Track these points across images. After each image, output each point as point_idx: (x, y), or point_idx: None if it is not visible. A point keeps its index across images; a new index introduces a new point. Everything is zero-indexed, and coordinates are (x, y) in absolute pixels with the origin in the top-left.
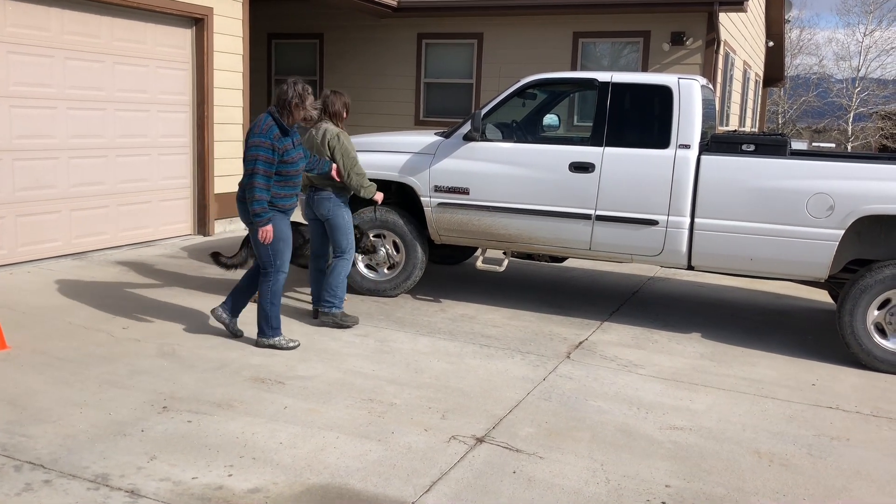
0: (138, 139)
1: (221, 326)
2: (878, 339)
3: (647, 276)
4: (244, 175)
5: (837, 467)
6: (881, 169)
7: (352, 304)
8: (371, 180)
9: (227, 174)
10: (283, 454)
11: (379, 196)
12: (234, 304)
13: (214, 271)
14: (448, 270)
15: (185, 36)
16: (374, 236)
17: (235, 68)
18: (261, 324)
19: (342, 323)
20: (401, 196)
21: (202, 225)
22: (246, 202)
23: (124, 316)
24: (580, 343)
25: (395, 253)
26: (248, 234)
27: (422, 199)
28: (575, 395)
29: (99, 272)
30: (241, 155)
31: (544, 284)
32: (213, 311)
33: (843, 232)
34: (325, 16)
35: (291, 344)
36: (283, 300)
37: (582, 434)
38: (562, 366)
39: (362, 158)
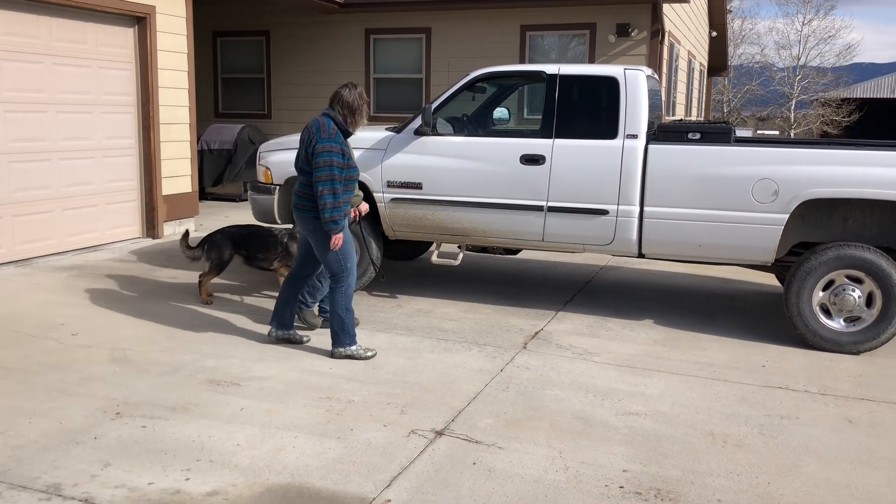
0: (82, 141)
1: (176, 332)
2: (823, 319)
3: (599, 265)
4: (304, 183)
5: (788, 445)
6: (822, 154)
7: None
8: None
9: (175, 175)
10: (241, 456)
11: (364, 207)
12: (281, 318)
13: (165, 274)
14: (403, 266)
15: (127, 35)
16: (290, 230)
17: (180, 67)
18: (337, 333)
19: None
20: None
21: (151, 227)
22: (302, 210)
23: (73, 322)
24: (536, 333)
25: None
26: (209, 235)
27: (375, 194)
28: (532, 385)
29: (45, 279)
30: (189, 156)
31: (499, 277)
32: (270, 336)
33: (787, 216)
34: (270, 13)
35: (369, 353)
36: (241, 301)
37: (540, 423)
38: (519, 356)
39: None
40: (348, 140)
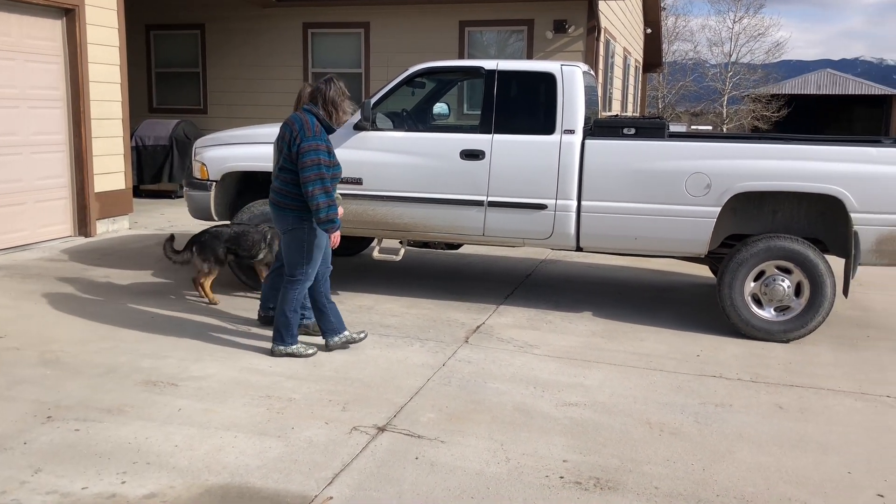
0: (8, 137)
1: (111, 332)
2: (754, 309)
3: (540, 259)
4: (284, 181)
5: (722, 432)
6: (752, 148)
7: (244, 301)
8: (258, 172)
9: (108, 172)
10: (179, 457)
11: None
12: (329, 326)
13: (98, 273)
14: (345, 262)
15: (55, 27)
16: (272, 228)
17: (112, 61)
18: (280, 331)
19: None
20: None
21: (83, 226)
22: (281, 208)
23: (0, 324)
24: (478, 327)
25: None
26: (196, 236)
27: None
28: (474, 379)
29: None
30: (122, 152)
31: (441, 272)
32: (328, 347)
33: (719, 209)
34: (205, 6)
35: (310, 351)
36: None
37: (482, 416)
38: (461, 350)
39: (247, 151)
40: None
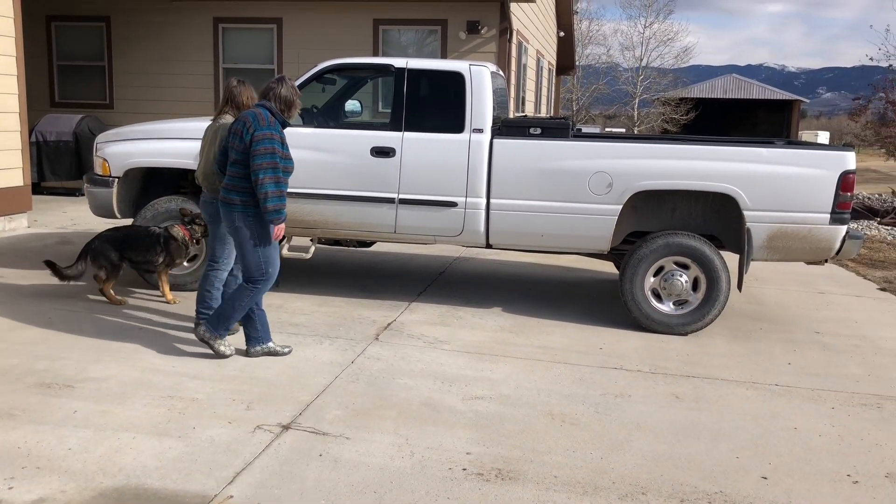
0: None
1: (3, 334)
2: (654, 303)
3: (453, 256)
4: (233, 176)
5: (621, 422)
6: (651, 148)
7: (144, 300)
8: (167, 169)
9: (4, 168)
10: (72, 460)
11: None
12: (254, 333)
13: None
14: None
15: None
16: (167, 228)
17: (7, 52)
18: (218, 319)
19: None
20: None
21: None
22: (230, 205)
23: None
24: (388, 324)
25: (194, 245)
26: (85, 245)
27: None
28: (382, 375)
29: None
30: (19, 147)
31: (353, 269)
32: (248, 354)
33: (620, 207)
34: None
35: (228, 352)
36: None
37: (388, 412)
38: (370, 348)
39: (152, 146)
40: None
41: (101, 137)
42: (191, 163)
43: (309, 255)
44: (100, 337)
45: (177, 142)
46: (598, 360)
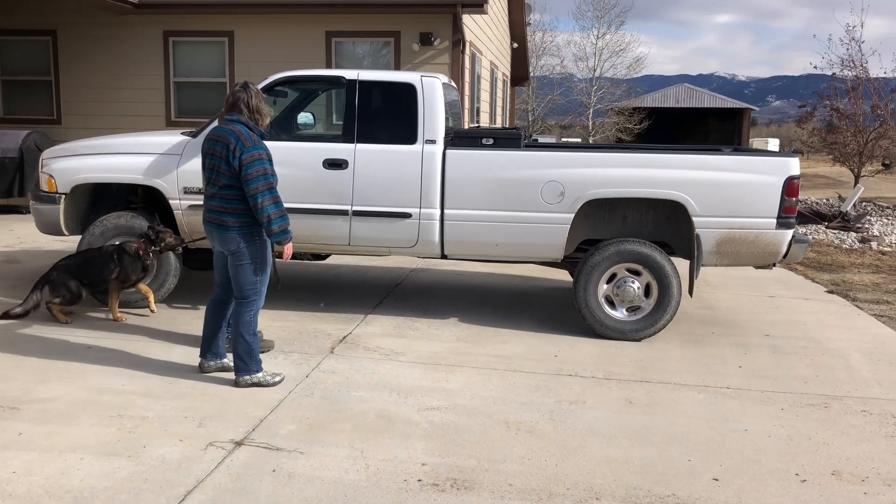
0: None
1: None
2: (608, 310)
3: (409, 268)
4: (224, 198)
5: (575, 428)
6: (602, 157)
7: (92, 318)
8: (114, 184)
9: None
10: (16, 484)
11: None
12: (213, 347)
13: None
14: (206, 276)
15: None
16: (119, 244)
17: None
18: (243, 359)
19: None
20: (149, 200)
21: None
22: (226, 227)
23: None
24: (344, 337)
25: (150, 259)
26: (42, 276)
27: (171, 202)
28: (337, 388)
29: None
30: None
31: (308, 283)
32: (201, 368)
33: (573, 215)
34: (57, 11)
35: (276, 379)
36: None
37: (343, 425)
38: (325, 361)
39: (100, 162)
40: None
41: (46, 153)
42: (140, 178)
43: None
44: (46, 357)
45: (126, 157)
46: (553, 368)
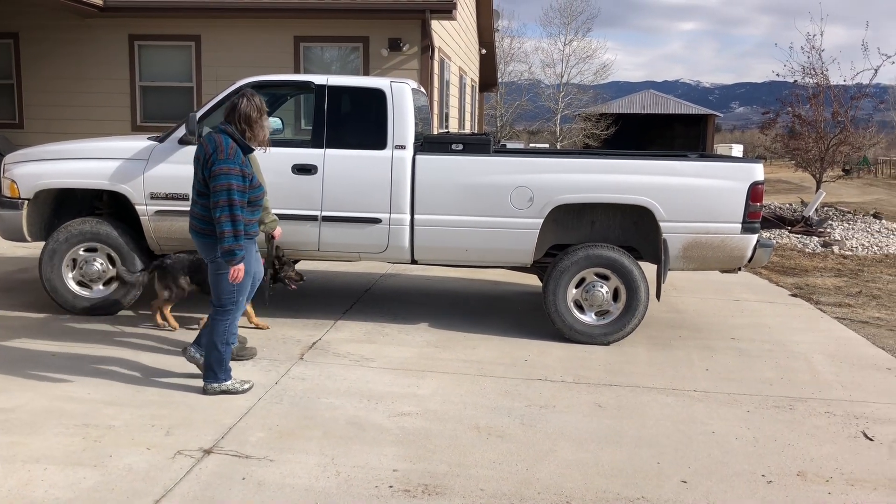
0: None
1: None
2: (577, 314)
3: (380, 273)
4: (203, 206)
5: (545, 432)
6: (570, 163)
7: (63, 324)
8: (79, 190)
9: None
10: None
11: (278, 232)
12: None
13: None
14: None
15: None
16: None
17: None
18: (212, 367)
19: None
20: (114, 205)
21: None
22: (205, 235)
23: None
24: (313, 344)
25: (110, 267)
26: (159, 260)
27: (137, 207)
28: (307, 395)
29: None
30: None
31: (277, 289)
32: (185, 353)
33: (542, 220)
34: (19, 14)
35: (245, 386)
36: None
37: (313, 432)
38: (294, 368)
39: (64, 167)
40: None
41: (9, 158)
42: (105, 183)
43: None
44: (8, 365)
45: (91, 161)
46: (523, 372)
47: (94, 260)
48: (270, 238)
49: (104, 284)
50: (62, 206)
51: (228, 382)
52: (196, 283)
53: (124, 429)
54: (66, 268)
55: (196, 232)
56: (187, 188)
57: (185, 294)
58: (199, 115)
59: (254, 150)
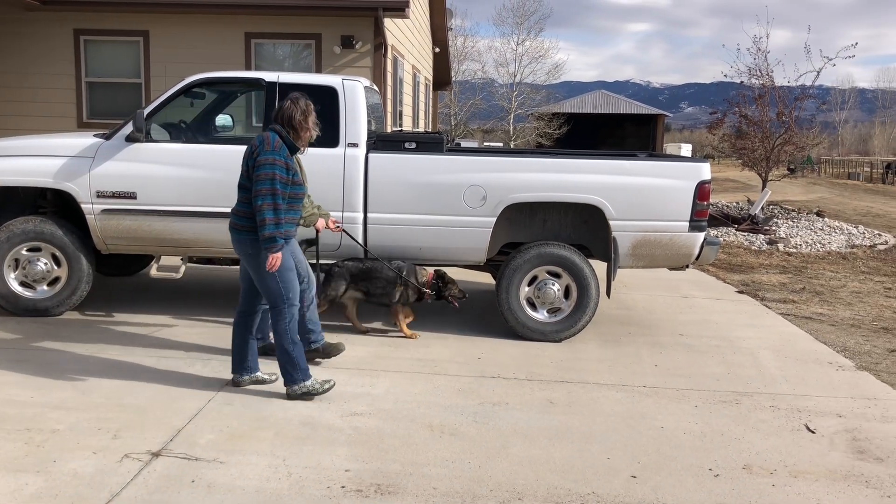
0: None
1: None
2: (529, 311)
3: None
4: (242, 201)
5: (498, 429)
6: (522, 162)
7: (8, 325)
8: (22, 188)
9: None
10: None
11: (321, 223)
12: (244, 363)
13: None
14: (123, 282)
15: None
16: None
17: None
18: (287, 370)
19: (321, 390)
20: (59, 204)
21: None
22: (238, 230)
23: None
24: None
25: (55, 267)
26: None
27: (83, 206)
28: (260, 395)
29: None
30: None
31: (228, 288)
32: (235, 384)
33: (495, 219)
34: None
35: (327, 385)
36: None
37: (265, 433)
38: None
39: (9, 164)
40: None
41: None
42: (49, 181)
43: (179, 275)
44: None
45: (35, 159)
46: (476, 370)
47: (38, 260)
48: (314, 237)
49: (48, 285)
50: (5, 204)
51: (308, 383)
52: (361, 291)
53: (70, 433)
54: (7, 268)
55: (233, 228)
56: (135, 186)
57: (332, 303)
58: (147, 111)
59: (299, 149)
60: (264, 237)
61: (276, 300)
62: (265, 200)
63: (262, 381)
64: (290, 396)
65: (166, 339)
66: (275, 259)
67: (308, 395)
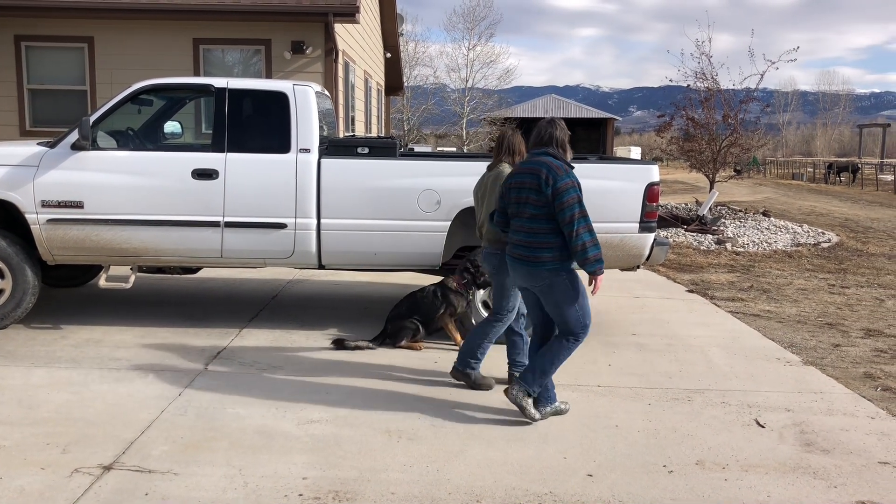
0: None
1: None
2: (485, 313)
3: (286, 279)
4: (528, 231)
5: (456, 433)
6: (476, 166)
7: None
8: None
9: None
10: None
11: None
12: (546, 393)
13: None
14: (70, 293)
15: None
16: (441, 282)
17: None
18: (533, 374)
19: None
20: (2, 215)
21: None
22: (534, 264)
23: None
24: (219, 353)
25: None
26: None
27: (27, 216)
28: (213, 406)
29: None
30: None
31: (179, 298)
32: (541, 414)
33: (449, 223)
34: None
35: (567, 406)
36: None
37: (219, 443)
38: (199, 378)
39: None
40: None
41: None
42: None
43: (129, 285)
44: None
45: None
46: (433, 374)
47: None
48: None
49: None
50: None
51: (556, 404)
52: (419, 322)
53: (16, 449)
54: None
55: (523, 261)
56: (81, 195)
57: (419, 331)
58: (93, 119)
59: (573, 168)
60: (590, 260)
61: (574, 328)
62: (580, 224)
63: (563, 412)
64: (544, 416)
65: (116, 350)
66: (600, 281)
67: (557, 414)
